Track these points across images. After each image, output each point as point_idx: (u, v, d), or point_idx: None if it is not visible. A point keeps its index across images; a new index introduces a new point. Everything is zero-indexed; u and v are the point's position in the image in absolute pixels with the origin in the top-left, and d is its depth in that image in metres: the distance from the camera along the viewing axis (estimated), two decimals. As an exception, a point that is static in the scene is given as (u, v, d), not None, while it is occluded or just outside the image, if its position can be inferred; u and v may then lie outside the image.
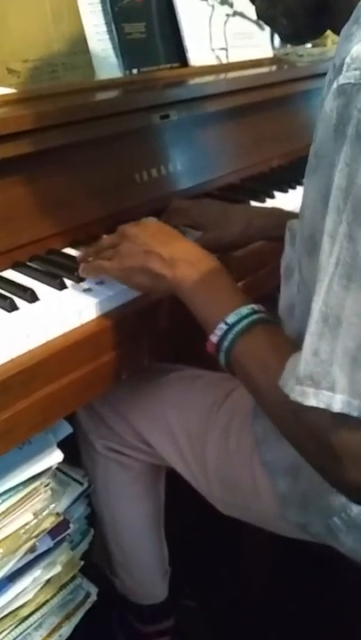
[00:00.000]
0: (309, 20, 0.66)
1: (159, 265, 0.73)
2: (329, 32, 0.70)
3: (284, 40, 0.73)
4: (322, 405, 0.51)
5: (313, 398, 0.52)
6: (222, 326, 0.66)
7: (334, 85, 0.50)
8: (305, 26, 0.67)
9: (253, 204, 1.13)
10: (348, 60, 0.49)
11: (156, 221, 0.80)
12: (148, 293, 0.77)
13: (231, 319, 0.65)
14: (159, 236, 0.76)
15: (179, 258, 0.72)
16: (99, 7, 1.10)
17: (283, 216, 0.96)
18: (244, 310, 0.66)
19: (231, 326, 0.65)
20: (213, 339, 0.66)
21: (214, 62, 1.29)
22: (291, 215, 0.97)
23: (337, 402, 0.51)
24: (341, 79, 0.49)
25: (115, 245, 0.79)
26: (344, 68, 0.49)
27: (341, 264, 0.50)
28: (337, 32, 0.60)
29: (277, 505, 0.80)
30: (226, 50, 1.32)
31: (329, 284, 0.51)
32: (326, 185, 0.53)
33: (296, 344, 0.72)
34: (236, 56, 1.34)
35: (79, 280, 0.83)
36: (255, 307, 0.67)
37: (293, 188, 1.22)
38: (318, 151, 0.56)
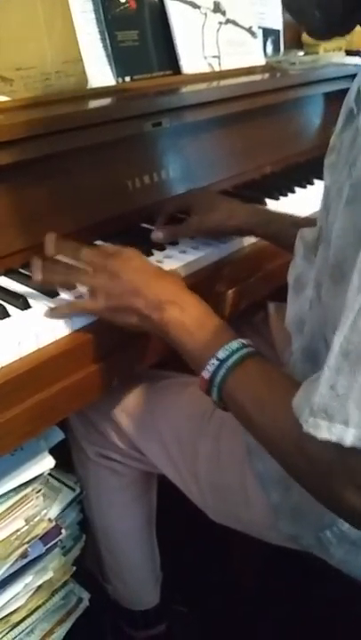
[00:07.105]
0: (345, 15, 0.61)
1: (145, 306, 0.72)
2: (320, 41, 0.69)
3: (309, 34, 0.67)
4: (334, 439, 0.50)
5: (326, 432, 0.51)
6: (214, 362, 0.65)
7: None
8: (338, 20, 0.62)
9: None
10: None
11: (137, 254, 0.78)
12: (132, 330, 0.76)
13: (222, 354, 0.65)
14: (143, 274, 0.75)
15: (165, 300, 0.72)
16: (92, 15, 1.11)
17: (265, 215, 0.99)
18: (234, 345, 0.65)
19: (222, 361, 0.65)
20: (205, 375, 0.65)
21: (207, 70, 1.30)
22: (273, 215, 0.99)
23: (349, 436, 0.50)
24: None
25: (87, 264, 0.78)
26: None
27: None
28: None
29: (269, 515, 0.81)
30: (218, 57, 1.33)
31: (354, 321, 0.50)
32: None
33: (301, 360, 0.72)
34: (228, 64, 1.34)
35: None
36: (244, 341, 0.66)
37: (285, 195, 1.23)
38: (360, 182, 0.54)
